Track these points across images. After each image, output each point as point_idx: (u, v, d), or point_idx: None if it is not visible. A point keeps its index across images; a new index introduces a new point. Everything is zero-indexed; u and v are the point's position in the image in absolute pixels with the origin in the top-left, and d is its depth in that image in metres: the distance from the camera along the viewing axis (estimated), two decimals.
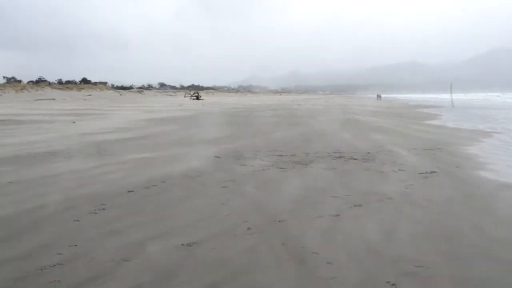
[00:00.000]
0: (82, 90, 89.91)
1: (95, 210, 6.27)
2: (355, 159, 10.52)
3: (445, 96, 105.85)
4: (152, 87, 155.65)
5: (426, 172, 8.83)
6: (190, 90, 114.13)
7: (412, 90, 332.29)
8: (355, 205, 6.48)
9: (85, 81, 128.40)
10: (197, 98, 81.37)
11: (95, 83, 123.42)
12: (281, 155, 11.03)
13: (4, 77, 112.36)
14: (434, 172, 8.90)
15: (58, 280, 4.10)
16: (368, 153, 11.41)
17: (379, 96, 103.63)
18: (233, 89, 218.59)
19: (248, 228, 5.49)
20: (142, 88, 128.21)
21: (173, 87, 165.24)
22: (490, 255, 4.66)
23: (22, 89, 76.15)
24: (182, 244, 4.95)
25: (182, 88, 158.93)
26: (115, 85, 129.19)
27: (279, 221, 5.77)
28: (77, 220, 5.81)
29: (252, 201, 6.83)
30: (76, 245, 4.90)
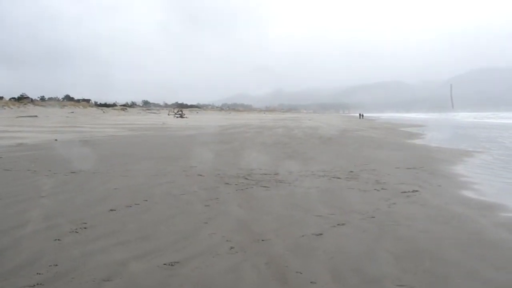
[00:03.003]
0: (65, 107, 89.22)
1: (76, 229, 6.19)
2: (338, 177, 10.56)
3: (425, 116, 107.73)
4: (136, 104, 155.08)
5: (409, 191, 8.90)
6: (174, 108, 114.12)
7: (394, 109, 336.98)
8: (338, 224, 6.50)
9: (68, 98, 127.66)
10: (181, 116, 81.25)
11: (78, 100, 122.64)
12: None
13: None
14: (417, 191, 8.96)
15: None
16: (351, 171, 11.46)
17: (361, 115, 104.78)
18: (217, 107, 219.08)
19: (231, 248, 5.46)
20: (125, 106, 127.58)
21: (157, 105, 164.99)
22: (472, 274, 4.69)
23: (3, 105, 75.22)
24: (165, 264, 4.91)
25: (166, 106, 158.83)
26: (98, 103, 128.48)
27: (263, 240, 5.75)
28: (58, 240, 5.73)
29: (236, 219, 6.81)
30: (56, 265, 4.82)
